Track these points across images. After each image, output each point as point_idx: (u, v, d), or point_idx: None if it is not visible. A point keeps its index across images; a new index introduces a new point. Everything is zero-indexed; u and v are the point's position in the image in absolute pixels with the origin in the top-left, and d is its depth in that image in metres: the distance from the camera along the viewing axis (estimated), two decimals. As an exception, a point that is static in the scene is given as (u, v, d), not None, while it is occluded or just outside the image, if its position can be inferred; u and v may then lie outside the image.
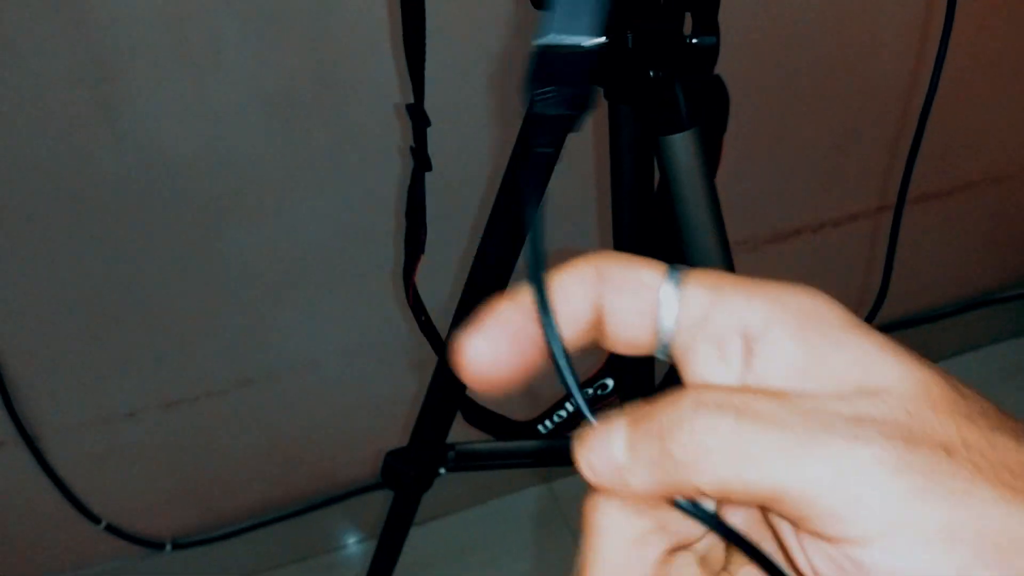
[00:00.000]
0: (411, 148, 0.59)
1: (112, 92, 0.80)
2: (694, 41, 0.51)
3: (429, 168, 0.58)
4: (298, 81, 0.84)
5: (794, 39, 1.01)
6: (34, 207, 0.83)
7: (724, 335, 0.23)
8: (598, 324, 0.25)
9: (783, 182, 1.15)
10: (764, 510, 0.23)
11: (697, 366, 0.24)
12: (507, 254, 0.63)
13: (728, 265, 0.53)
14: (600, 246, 0.99)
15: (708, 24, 0.50)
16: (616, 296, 0.24)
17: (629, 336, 0.24)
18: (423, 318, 0.64)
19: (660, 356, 0.25)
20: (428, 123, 0.57)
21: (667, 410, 0.22)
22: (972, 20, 1.08)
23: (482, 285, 0.64)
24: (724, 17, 0.51)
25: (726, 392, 0.22)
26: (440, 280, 0.91)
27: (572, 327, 0.24)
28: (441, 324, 0.68)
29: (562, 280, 0.23)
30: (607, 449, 0.23)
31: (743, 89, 1.03)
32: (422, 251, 0.61)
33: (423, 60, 0.55)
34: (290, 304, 0.97)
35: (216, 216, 0.89)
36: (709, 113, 0.58)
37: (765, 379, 0.22)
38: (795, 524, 0.21)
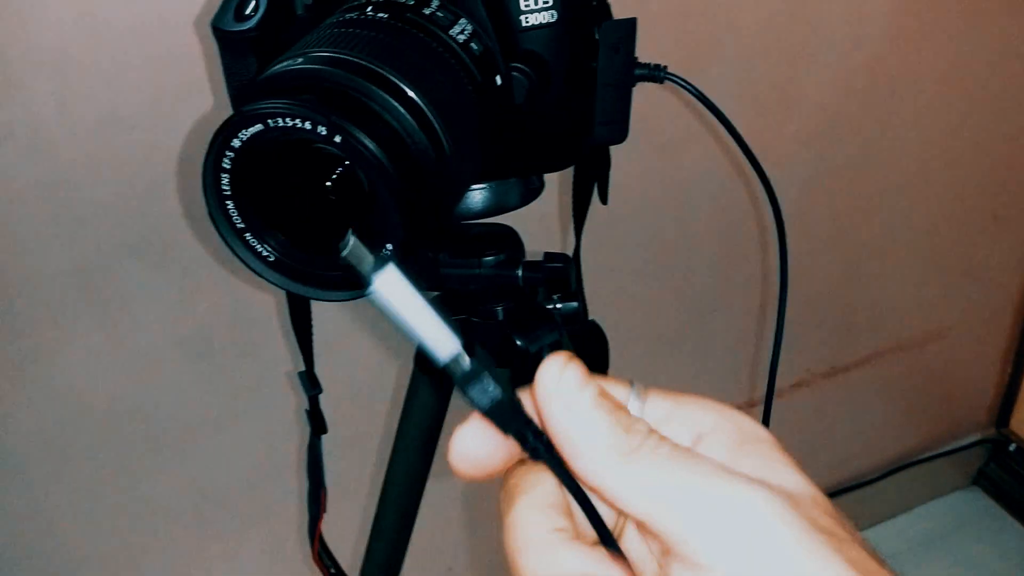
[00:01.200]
0: (306, 411, 0.61)
1: (27, 349, 0.81)
2: (558, 307, 0.55)
3: (324, 431, 0.61)
4: (212, 324, 0.87)
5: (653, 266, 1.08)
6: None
7: (679, 434, 0.27)
8: None
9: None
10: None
11: None
12: (409, 500, 0.65)
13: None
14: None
15: (568, 293, 0.55)
16: None
17: None
18: (332, 572, 0.64)
19: None
20: (319, 390, 0.59)
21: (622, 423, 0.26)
22: (859, 202, 1.17)
23: (387, 529, 0.66)
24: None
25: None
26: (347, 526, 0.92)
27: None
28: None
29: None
30: (578, 390, 0.26)
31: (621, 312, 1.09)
32: (323, 510, 0.62)
33: (310, 332, 0.58)
34: (214, 540, 0.97)
35: (135, 460, 0.89)
36: (590, 356, 0.62)
37: None
38: (670, 546, 0.24)
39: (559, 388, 0.26)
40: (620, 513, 0.28)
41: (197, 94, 0.76)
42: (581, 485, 0.26)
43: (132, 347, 0.85)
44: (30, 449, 0.85)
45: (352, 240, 0.25)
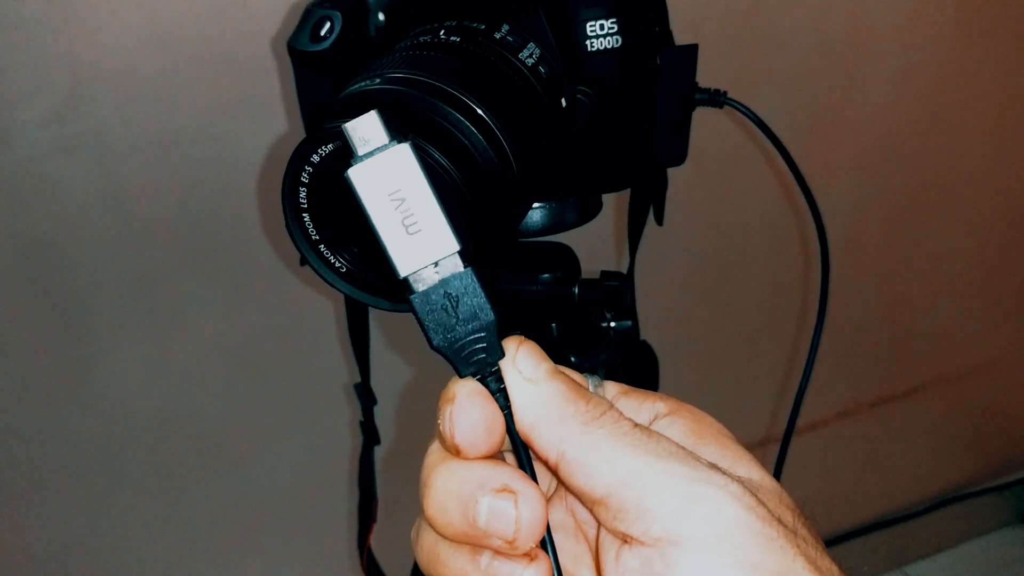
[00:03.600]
0: (360, 423, 0.62)
1: (81, 357, 0.83)
2: (612, 325, 0.56)
3: (377, 442, 0.62)
4: (260, 338, 0.89)
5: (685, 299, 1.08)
6: (1, 471, 0.85)
7: (636, 417, 0.27)
8: None
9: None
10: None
11: None
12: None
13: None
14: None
15: (622, 312, 0.55)
16: None
17: None
18: (378, 583, 0.65)
19: None
20: (375, 402, 0.61)
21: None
22: (909, 230, 1.16)
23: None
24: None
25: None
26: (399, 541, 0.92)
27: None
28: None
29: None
30: (535, 364, 0.27)
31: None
32: (374, 520, 0.63)
33: (368, 345, 0.59)
34: (258, 553, 0.98)
35: (181, 469, 0.91)
36: (641, 375, 0.62)
37: None
38: (623, 522, 0.24)
39: (516, 360, 0.26)
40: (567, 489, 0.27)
41: (257, 110, 0.78)
42: (540, 464, 0.26)
43: (183, 357, 0.87)
44: (81, 454, 0.87)
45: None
